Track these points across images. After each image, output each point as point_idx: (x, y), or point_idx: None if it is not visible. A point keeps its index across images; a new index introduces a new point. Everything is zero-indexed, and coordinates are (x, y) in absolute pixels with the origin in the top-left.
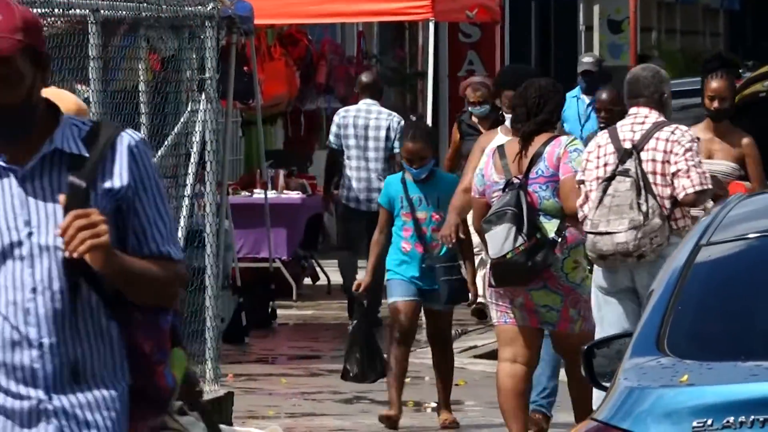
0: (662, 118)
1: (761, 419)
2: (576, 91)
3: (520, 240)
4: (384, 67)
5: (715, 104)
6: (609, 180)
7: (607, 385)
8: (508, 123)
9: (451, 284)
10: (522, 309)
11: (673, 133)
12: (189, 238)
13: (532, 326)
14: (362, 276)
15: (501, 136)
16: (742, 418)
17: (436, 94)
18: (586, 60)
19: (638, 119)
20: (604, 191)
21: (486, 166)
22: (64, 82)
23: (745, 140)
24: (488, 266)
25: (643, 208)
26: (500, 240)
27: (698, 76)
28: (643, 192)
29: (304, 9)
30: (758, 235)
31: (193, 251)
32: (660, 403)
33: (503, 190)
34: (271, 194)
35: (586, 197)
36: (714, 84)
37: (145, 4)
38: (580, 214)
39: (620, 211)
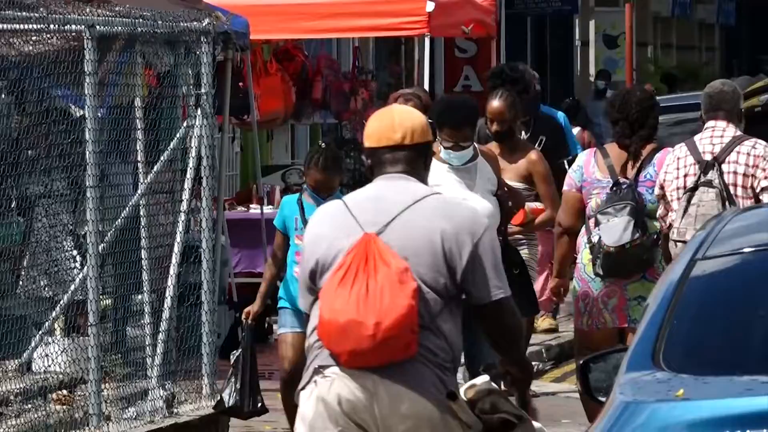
0: (739, 132)
1: None
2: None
3: (638, 234)
4: (380, 82)
5: (495, 127)
6: (692, 190)
7: (604, 399)
8: (443, 154)
9: None
10: (614, 310)
11: (754, 147)
12: (185, 254)
13: (621, 326)
14: None
15: (435, 162)
16: None
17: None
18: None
19: (717, 132)
20: (689, 201)
21: (587, 163)
22: (61, 99)
23: (533, 157)
24: (599, 257)
25: None
26: (619, 230)
27: (694, 90)
28: (727, 203)
29: (300, 25)
30: (753, 249)
31: (189, 267)
32: (655, 418)
33: (611, 189)
34: (268, 210)
35: (666, 210)
36: (494, 104)
37: (140, 20)
38: (663, 225)
39: (707, 220)
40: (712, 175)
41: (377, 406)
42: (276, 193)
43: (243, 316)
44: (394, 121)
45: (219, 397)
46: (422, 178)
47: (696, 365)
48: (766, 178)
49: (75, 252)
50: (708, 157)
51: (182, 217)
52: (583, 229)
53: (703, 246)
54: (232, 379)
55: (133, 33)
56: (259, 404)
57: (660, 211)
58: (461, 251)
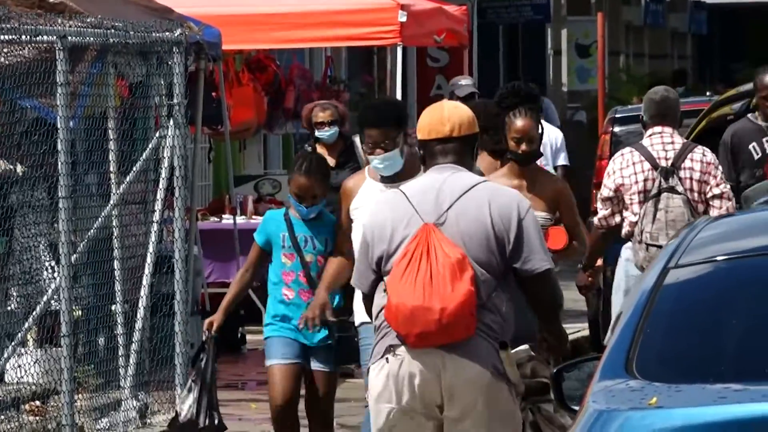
0: (684, 139)
1: None
2: None
3: None
4: (352, 92)
5: (524, 147)
6: (656, 196)
7: (577, 408)
8: (372, 163)
9: (346, 341)
10: None
11: (704, 155)
12: (158, 264)
13: None
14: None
15: (370, 181)
16: None
17: None
18: (465, 82)
19: (666, 138)
20: (656, 207)
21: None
22: (33, 110)
23: (559, 185)
24: None
25: None
26: None
27: None
28: (691, 208)
29: (272, 35)
30: (726, 257)
31: (162, 277)
32: (628, 426)
33: None
34: (240, 220)
35: (612, 211)
36: (519, 123)
37: (112, 31)
38: (602, 224)
39: (676, 225)
40: (672, 181)
41: (444, 377)
42: (249, 203)
43: (205, 327)
44: (443, 114)
45: (174, 413)
46: (470, 167)
47: (669, 373)
48: (717, 185)
49: (53, 262)
50: (663, 163)
51: (155, 227)
52: None
53: (676, 254)
54: (193, 391)
55: (105, 44)
56: (216, 420)
57: (605, 212)
58: (508, 229)
